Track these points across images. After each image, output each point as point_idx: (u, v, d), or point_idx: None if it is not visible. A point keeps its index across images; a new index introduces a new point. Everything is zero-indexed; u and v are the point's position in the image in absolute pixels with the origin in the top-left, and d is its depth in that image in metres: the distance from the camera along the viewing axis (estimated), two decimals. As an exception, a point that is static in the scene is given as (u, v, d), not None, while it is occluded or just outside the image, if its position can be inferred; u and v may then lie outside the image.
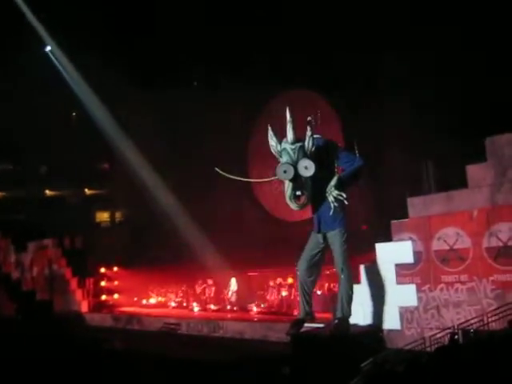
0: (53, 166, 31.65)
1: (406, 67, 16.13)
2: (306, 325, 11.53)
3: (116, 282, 25.38)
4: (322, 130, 11.28)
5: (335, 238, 10.91)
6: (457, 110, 15.24)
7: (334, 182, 10.71)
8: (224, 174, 11.61)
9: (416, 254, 12.76)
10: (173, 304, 23.08)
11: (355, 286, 11.67)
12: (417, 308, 12.62)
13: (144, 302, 24.50)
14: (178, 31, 21.63)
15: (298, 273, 11.39)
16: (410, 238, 12.88)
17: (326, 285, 17.00)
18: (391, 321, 12.70)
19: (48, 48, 25.17)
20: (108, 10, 21.89)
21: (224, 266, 20.31)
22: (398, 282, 12.90)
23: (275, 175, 10.47)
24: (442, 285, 12.32)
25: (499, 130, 11.95)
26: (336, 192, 10.66)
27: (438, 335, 11.21)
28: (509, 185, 11.57)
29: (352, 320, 11.39)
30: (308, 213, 11.63)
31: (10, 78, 24.41)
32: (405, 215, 13.13)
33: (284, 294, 18.67)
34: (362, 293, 12.81)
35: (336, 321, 11.09)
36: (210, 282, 21.67)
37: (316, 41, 18.49)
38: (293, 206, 10.59)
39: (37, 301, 25.92)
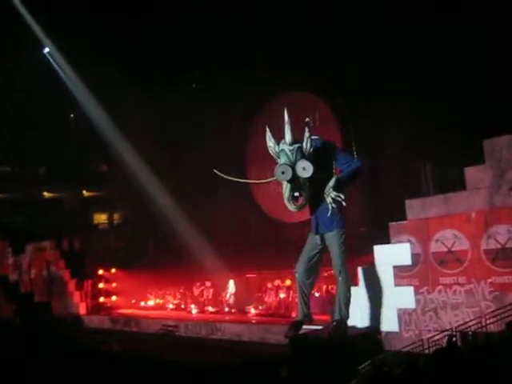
0: (51, 168, 31.62)
1: (404, 68, 16.15)
2: (304, 327, 11.53)
3: (114, 284, 25.33)
4: (320, 131, 11.33)
5: (333, 239, 10.91)
6: (455, 111, 15.24)
7: (332, 183, 10.71)
8: (222, 175, 11.62)
9: (414, 256, 12.76)
10: (171, 306, 23.04)
11: (353, 288, 11.68)
12: (415, 310, 12.61)
13: (142, 303, 24.44)
14: (177, 32, 21.63)
15: (297, 275, 11.39)
16: (408, 240, 12.88)
17: (324, 287, 16.99)
18: (389, 323, 12.71)
19: (46, 49, 25.15)
20: (106, 11, 21.85)
21: (222, 268, 20.29)
22: (396, 284, 12.90)
23: (273, 176, 10.49)
24: (440, 287, 12.32)
25: (497, 132, 11.96)
26: (334, 193, 10.66)
27: (436, 337, 11.20)
28: (507, 187, 11.57)
29: (350, 322, 11.40)
30: (306, 214, 11.64)
31: (8, 80, 24.39)
32: (403, 217, 13.14)
33: (282, 296, 18.64)
34: (360, 295, 12.82)
35: (334, 323, 11.08)
36: (208, 283, 21.63)
37: (315, 42, 18.50)
38: (291, 207, 10.60)
39: (35, 303, 25.91)
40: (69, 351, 14.69)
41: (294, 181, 10.27)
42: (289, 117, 10.42)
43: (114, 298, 25.15)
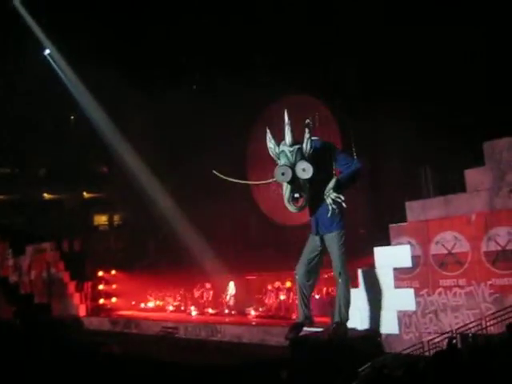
0: (51, 170, 31.63)
1: (404, 71, 16.16)
2: (304, 329, 11.52)
3: (114, 286, 25.34)
4: (320, 133, 11.34)
5: (333, 240, 10.91)
6: (455, 113, 15.24)
7: (332, 184, 10.73)
8: (222, 176, 11.62)
9: (414, 258, 12.75)
10: (171, 308, 23.04)
11: (353, 291, 11.69)
12: (415, 312, 12.60)
13: (142, 305, 24.44)
14: (178, 34, 21.65)
15: (297, 276, 11.39)
16: (409, 242, 12.88)
17: (325, 289, 16.99)
18: (389, 325, 12.70)
19: (47, 51, 25.18)
20: (107, 13, 21.89)
21: (222, 270, 20.29)
22: (396, 286, 12.90)
23: (273, 177, 10.50)
24: (440, 289, 12.31)
25: (498, 134, 11.96)
26: (334, 194, 10.67)
27: (437, 340, 11.21)
28: (507, 189, 11.57)
29: (350, 324, 11.42)
30: (306, 216, 11.64)
31: (9, 81, 24.42)
32: (403, 219, 13.13)
33: (282, 297, 18.64)
34: (360, 297, 12.83)
35: (334, 325, 11.09)
36: (208, 285, 21.63)
37: (315, 44, 18.51)
38: (291, 208, 10.61)
39: (35, 304, 25.90)
40: (68, 353, 14.68)
41: (294, 182, 10.28)
42: (289, 118, 10.43)
43: (113, 299, 25.16)
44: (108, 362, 13.83)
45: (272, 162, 10.83)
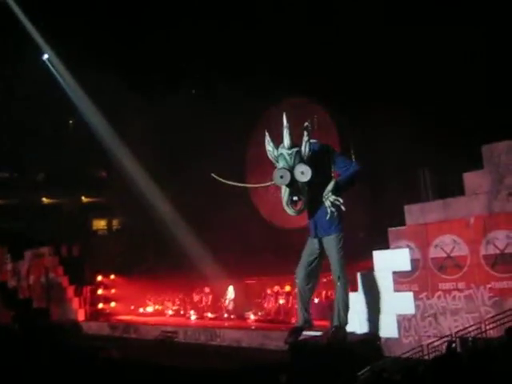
0: (50, 174, 31.61)
1: (404, 74, 16.18)
2: (303, 333, 11.50)
3: (113, 290, 25.28)
4: (318, 137, 11.33)
5: (331, 243, 10.90)
6: (454, 116, 15.27)
7: (330, 186, 10.73)
8: (220, 179, 11.61)
9: (413, 261, 12.75)
10: (170, 312, 23.00)
11: (352, 294, 11.67)
12: (414, 316, 12.60)
13: (141, 310, 24.39)
14: (177, 39, 21.68)
15: (297, 280, 11.37)
16: (408, 246, 12.88)
17: (324, 292, 16.97)
18: (389, 329, 12.69)
19: (45, 56, 25.19)
20: (106, 17, 21.93)
21: (221, 274, 20.26)
22: (396, 290, 12.89)
23: (272, 181, 10.51)
24: (439, 292, 12.31)
25: (496, 137, 11.97)
26: (333, 197, 10.68)
27: (436, 343, 11.19)
28: (505, 192, 11.58)
29: (349, 328, 11.39)
30: (306, 220, 11.62)
31: (8, 86, 24.42)
32: (402, 222, 13.13)
33: (281, 301, 18.63)
34: (359, 301, 12.82)
35: (333, 329, 11.07)
36: (207, 290, 21.62)
37: (314, 48, 18.56)
38: (290, 211, 10.61)
39: (33, 309, 25.85)
40: (67, 357, 14.66)
41: (293, 185, 10.29)
42: (287, 121, 10.44)
43: (112, 304, 25.09)
44: (107, 366, 13.82)
45: (271, 165, 10.83)
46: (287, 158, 10.38)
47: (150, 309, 24.17)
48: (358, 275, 13.26)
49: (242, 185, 13.32)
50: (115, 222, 32.37)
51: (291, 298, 17.82)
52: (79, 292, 25.36)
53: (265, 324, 18.24)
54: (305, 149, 10.43)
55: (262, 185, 12.24)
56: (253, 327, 18.20)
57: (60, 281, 26.12)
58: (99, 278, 25.40)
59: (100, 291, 25.28)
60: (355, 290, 13.02)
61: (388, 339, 12.65)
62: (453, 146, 14.47)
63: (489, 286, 11.61)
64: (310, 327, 11.57)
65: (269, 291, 19.39)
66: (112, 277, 25.41)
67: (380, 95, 17.05)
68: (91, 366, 13.58)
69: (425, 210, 12.86)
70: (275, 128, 11.02)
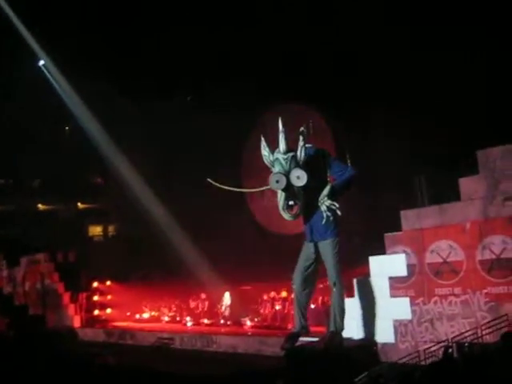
0: (45, 180, 31.57)
1: (399, 80, 16.23)
2: (300, 339, 11.48)
3: (109, 297, 25.21)
4: (314, 142, 11.35)
5: (327, 248, 10.89)
6: (450, 121, 15.31)
7: (326, 191, 10.74)
8: (216, 184, 11.62)
9: (409, 266, 12.75)
10: (166, 318, 22.94)
11: (349, 300, 11.65)
12: (411, 321, 12.59)
13: (137, 316, 24.33)
14: (171, 45, 21.71)
15: (294, 286, 11.35)
16: (404, 251, 12.88)
17: (320, 298, 16.94)
18: (385, 334, 12.66)
19: (41, 62, 25.19)
20: (102, 24, 21.94)
21: (217, 280, 20.24)
22: (392, 295, 12.88)
23: (268, 185, 10.52)
24: (435, 298, 12.31)
25: (492, 142, 12.01)
26: (329, 201, 10.69)
27: (433, 348, 11.18)
28: (501, 197, 11.60)
29: (346, 334, 11.36)
30: (302, 226, 11.61)
31: (3, 92, 24.40)
32: (398, 228, 13.14)
33: (278, 307, 18.61)
34: (355, 306, 12.80)
35: (329, 334, 11.06)
36: (203, 296, 21.58)
37: (309, 53, 18.62)
38: (286, 216, 10.61)
39: (29, 316, 25.73)
40: (63, 364, 14.60)
41: (289, 189, 10.31)
42: (283, 126, 10.47)
43: (108, 310, 25.02)
44: (103, 373, 13.78)
45: (266, 171, 10.83)
46: (283, 162, 10.39)
47: (146, 315, 24.11)
48: (355, 281, 13.25)
49: (238, 190, 13.32)
50: (111, 228, 32.34)
51: (288, 303, 17.79)
52: (75, 298, 25.27)
53: (261, 330, 18.21)
54: (300, 153, 10.46)
55: (258, 189, 12.25)
56: (249, 333, 18.18)
57: (56, 287, 26.03)
58: (95, 284, 25.34)
59: (96, 297, 25.20)
60: (351, 295, 13.01)
61: (384, 345, 12.63)
62: (448, 150, 14.52)
63: (485, 291, 11.61)
64: (307, 333, 11.55)
65: (265, 297, 19.37)
66: (108, 283, 25.35)
67: (376, 101, 17.10)
68: (87, 373, 13.54)
69: (421, 215, 12.87)
70: (271, 133, 11.04)
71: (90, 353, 17.50)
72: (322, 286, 14.73)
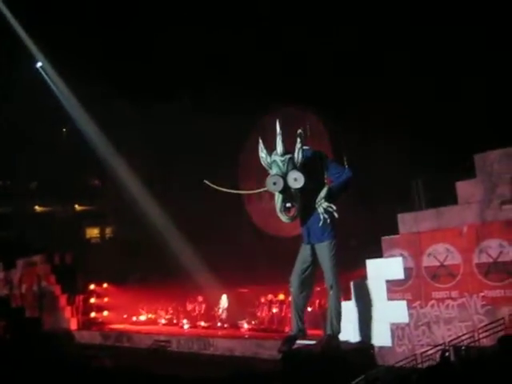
0: (43, 182, 31.53)
1: (396, 84, 16.25)
2: (297, 342, 11.47)
3: (106, 299, 25.16)
4: (311, 145, 11.36)
5: (324, 250, 10.89)
6: (447, 125, 15.34)
7: (323, 193, 10.75)
8: (213, 186, 11.62)
9: (407, 270, 12.76)
10: (163, 321, 22.91)
11: (346, 303, 11.65)
12: (408, 324, 12.59)
13: (134, 318, 24.28)
14: (170, 47, 21.72)
15: (291, 288, 11.35)
16: (401, 254, 12.89)
17: (317, 301, 16.92)
18: (382, 337, 12.67)
19: (39, 64, 25.18)
20: (100, 26, 21.95)
21: (214, 283, 20.21)
22: (389, 299, 12.89)
23: (265, 187, 10.53)
24: (432, 301, 12.32)
25: (489, 146, 12.03)
26: (326, 203, 10.70)
27: (430, 352, 11.19)
28: (498, 201, 11.62)
29: (343, 337, 11.36)
30: (299, 229, 11.62)
31: (1, 94, 24.39)
32: (395, 231, 13.14)
33: (275, 310, 18.59)
34: (352, 309, 12.81)
35: (326, 337, 11.05)
36: (200, 298, 21.55)
37: (307, 56, 18.64)
38: (283, 218, 10.62)
39: (26, 318, 25.65)
40: (60, 366, 14.55)
41: (286, 191, 10.32)
42: (281, 128, 10.48)
43: (105, 313, 24.97)
44: (100, 375, 13.73)
45: (265, 173, 10.84)
46: (280, 164, 10.41)
47: (142, 318, 24.08)
48: (352, 284, 13.26)
49: (236, 191, 13.33)
50: (108, 231, 32.29)
51: (285, 306, 17.79)
52: (72, 301, 25.20)
53: (258, 333, 18.18)
54: (298, 155, 10.47)
55: (255, 191, 12.26)
56: (246, 336, 18.14)
57: (52, 289, 25.96)
58: (92, 286, 25.28)
59: (93, 300, 25.16)
60: (349, 298, 13.02)
61: (381, 348, 12.64)
62: (446, 154, 14.54)
63: (482, 294, 11.63)
64: (304, 336, 11.54)
65: (262, 300, 19.35)
66: (105, 285, 25.30)
67: (373, 104, 17.12)
68: (84, 375, 13.49)
69: (418, 218, 12.88)
70: (268, 135, 11.05)
71: (86, 355, 17.45)
72: (319, 289, 14.74)
